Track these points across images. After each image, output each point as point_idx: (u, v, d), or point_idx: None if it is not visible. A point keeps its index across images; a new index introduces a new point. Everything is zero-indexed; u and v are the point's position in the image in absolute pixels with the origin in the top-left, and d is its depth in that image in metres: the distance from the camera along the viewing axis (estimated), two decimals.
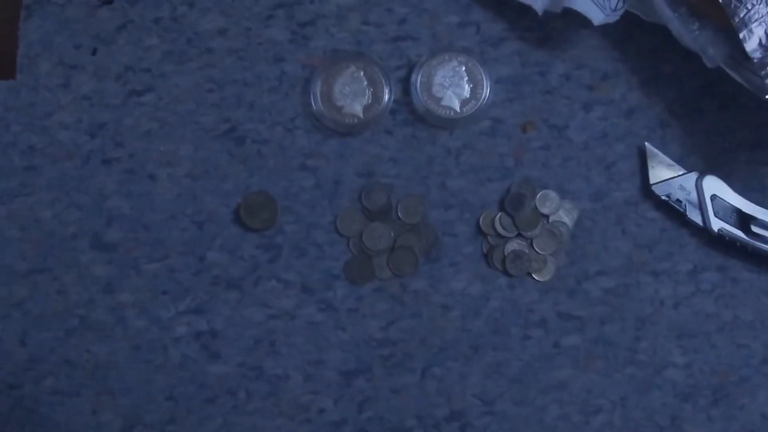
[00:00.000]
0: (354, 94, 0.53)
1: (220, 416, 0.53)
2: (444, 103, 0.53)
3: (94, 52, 0.55)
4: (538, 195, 0.53)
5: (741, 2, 0.49)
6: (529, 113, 0.54)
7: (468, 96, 0.53)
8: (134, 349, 0.54)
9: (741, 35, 0.48)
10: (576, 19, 0.51)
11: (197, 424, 0.53)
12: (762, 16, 0.48)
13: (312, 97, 0.53)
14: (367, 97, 0.53)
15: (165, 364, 0.53)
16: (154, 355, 0.54)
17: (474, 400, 0.53)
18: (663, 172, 0.53)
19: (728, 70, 0.50)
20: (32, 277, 0.54)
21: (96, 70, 0.55)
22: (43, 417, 0.54)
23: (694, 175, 0.53)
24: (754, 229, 0.52)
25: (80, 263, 0.54)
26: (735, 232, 0.52)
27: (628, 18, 0.51)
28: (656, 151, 0.53)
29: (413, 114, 0.54)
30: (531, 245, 0.53)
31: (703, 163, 0.54)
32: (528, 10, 0.52)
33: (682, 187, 0.53)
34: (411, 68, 0.53)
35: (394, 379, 0.53)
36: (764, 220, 0.52)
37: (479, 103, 0.53)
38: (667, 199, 0.53)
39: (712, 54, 0.50)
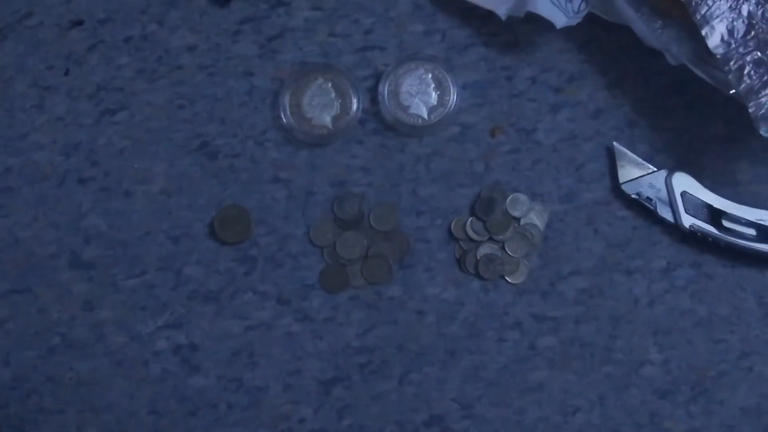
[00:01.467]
0: (323, 106, 0.53)
1: (202, 429, 0.54)
2: (412, 111, 0.53)
3: (66, 73, 0.55)
4: (509, 198, 0.53)
5: (702, 0, 0.49)
6: (497, 118, 0.54)
7: (435, 103, 0.53)
8: (115, 365, 0.54)
9: (703, 32, 0.49)
10: (540, 23, 0.51)
11: None
12: (723, 12, 0.49)
13: (281, 109, 0.54)
14: (335, 107, 0.53)
15: (146, 378, 0.54)
16: (135, 370, 0.54)
17: (452, 404, 0.54)
18: (632, 171, 0.53)
19: (692, 68, 0.50)
20: (12, 297, 0.55)
21: (69, 91, 0.55)
22: None
23: (663, 173, 0.53)
24: (726, 224, 0.52)
25: (60, 282, 0.54)
26: (707, 228, 0.53)
27: (591, 20, 0.52)
28: (625, 150, 0.54)
29: (382, 123, 0.54)
30: (503, 248, 0.53)
31: (672, 161, 0.54)
32: (492, 15, 0.52)
33: (652, 185, 0.53)
34: (378, 78, 0.54)
35: (372, 386, 0.54)
36: (735, 215, 0.52)
37: (447, 110, 0.53)
38: (637, 197, 0.53)
39: (676, 52, 0.51)
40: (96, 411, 0.54)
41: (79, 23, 0.56)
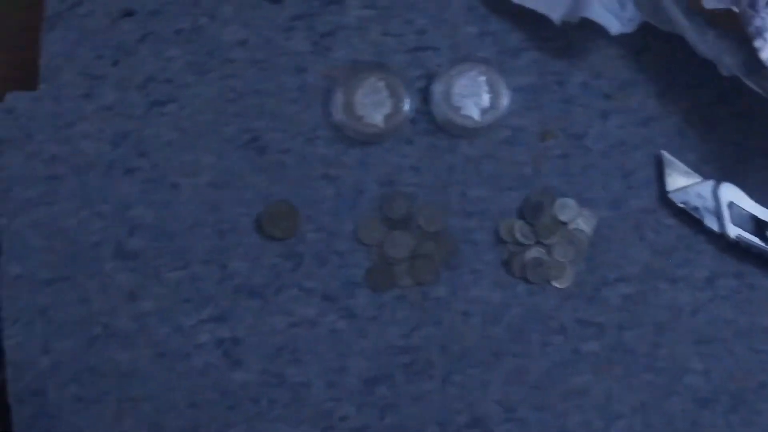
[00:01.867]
0: (375, 104, 0.53)
1: (242, 423, 0.54)
2: (464, 112, 0.53)
3: (115, 63, 0.55)
4: (557, 203, 0.53)
5: (755, 11, 0.49)
6: (547, 122, 0.54)
7: (487, 105, 0.53)
8: (157, 357, 0.54)
9: (756, 44, 0.49)
10: (593, 29, 0.51)
11: (220, 430, 0.54)
12: None
13: (333, 107, 0.54)
14: (387, 106, 0.53)
15: (187, 371, 0.54)
16: (177, 362, 0.54)
17: (495, 407, 0.54)
18: (680, 180, 0.54)
19: (744, 79, 0.50)
20: (55, 286, 0.54)
21: (118, 81, 0.55)
22: (66, 424, 0.54)
23: (711, 183, 0.53)
24: None
25: (103, 271, 0.54)
26: (751, 239, 0.53)
27: (644, 27, 0.52)
28: (673, 159, 0.54)
29: (433, 123, 0.54)
30: (550, 253, 0.53)
31: (719, 171, 0.54)
32: (546, 20, 0.53)
33: (699, 195, 0.53)
34: (431, 78, 0.54)
35: (415, 386, 0.54)
36: None
37: (498, 113, 0.53)
38: (684, 206, 0.53)
39: (728, 62, 0.51)
40: (135, 402, 0.54)
41: (129, 14, 0.56)
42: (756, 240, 0.53)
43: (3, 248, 0.55)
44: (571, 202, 0.53)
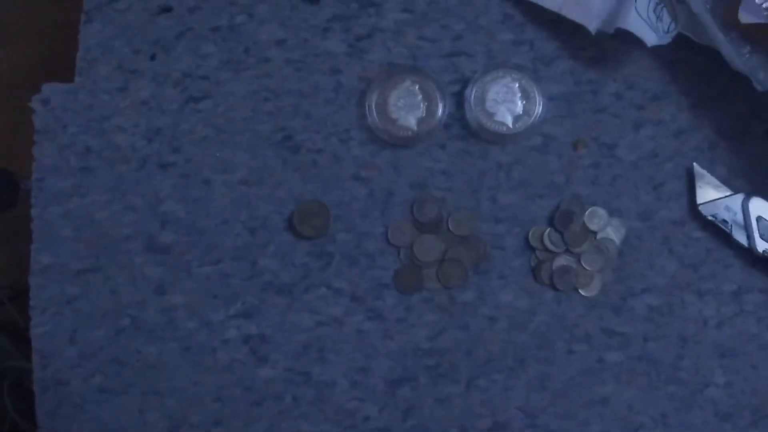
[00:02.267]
0: (409, 107, 0.54)
1: (266, 419, 0.54)
2: (497, 118, 0.54)
3: (152, 58, 0.56)
4: (587, 212, 0.54)
5: None
6: (580, 131, 0.55)
7: (521, 112, 0.54)
8: (183, 351, 0.54)
9: None
10: (628, 40, 0.51)
11: (243, 426, 0.54)
12: None
13: (367, 109, 0.54)
14: (421, 110, 0.54)
15: (213, 366, 0.54)
16: (203, 357, 0.54)
17: (517, 413, 0.54)
18: (710, 193, 0.54)
19: None
20: (85, 276, 0.55)
21: (154, 76, 0.56)
22: (90, 414, 0.55)
23: (740, 197, 0.53)
24: None
25: (133, 264, 0.55)
26: None
27: (679, 40, 0.52)
28: (704, 171, 0.54)
29: (466, 128, 0.55)
30: (579, 261, 0.54)
31: (749, 185, 0.54)
32: (581, 29, 0.53)
33: (728, 208, 0.53)
34: (465, 83, 0.54)
35: (439, 389, 0.54)
36: None
37: (531, 120, 0.54)
38: (713, 219, 0.53)
39: (763, 78, 0.51)
40: (160, 395, 0.55)
41: (167, 9, 0.56)
42: None
43: (34, 238, 0.55)
44: (601, 211, 0.54)
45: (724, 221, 0.53)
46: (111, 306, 0.55)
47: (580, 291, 0.54)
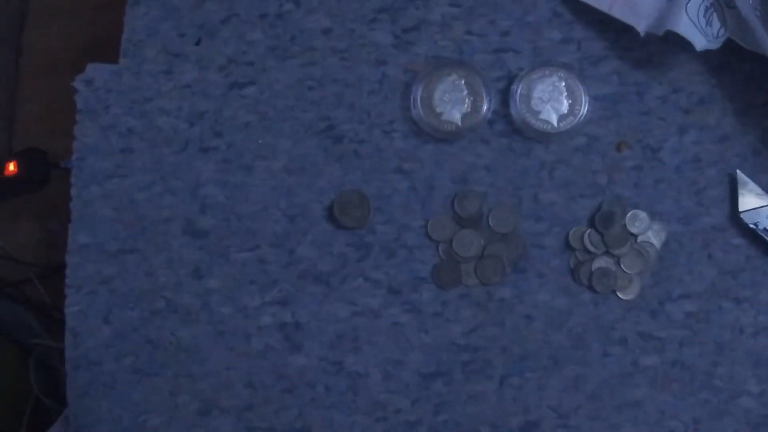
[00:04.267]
0: (454, 102, 0.54)
1: (296, 407, 0.54)
2: (542, 116, 0.53)
3: (198, 42, 0.56)
4: (629, 214, 0.53)
5: None
6: (624, 132, 0.54)
7: (566, 111, 0.53)
8: (218, 335, 0.55)
9: None
10: (676, 43, 0.51)
11: (274, 413, 0.54)
12: None
13: (412, 101, 0.54)
14: (466, 105, 0.54)
15: (247, 351, 0.54)
16: (237, 342, 0.54)
17: (549, 412, 0.54)
18: (752, 201, 0.53)
19: None
20: (122, 257, 0.55)
21: (199, 60, 0.56)
22: (121, 394, 0.55)
23: None
24: None
25: (171, 247, 0.55)
26: None
27: (726, 45, 0.52)
28: (747, 179, 0.53)
29: (510, 125, 0.55)
30: (618, 263, 0.53)
31: None
32: (629, 30, 0.52)
33: None
34: (511, 80, 0.54)
35: (472, 385, 0.54)
36: None
37: (576, 120, 0.53)
38: (754, 227, 0.53)
39: None
40: (192, 378, 0.55)
41: None
42: None
43: (72, 217, 0.55)
44: (642, 214, 0.53)
45: (765, 230, 0.53)
46: (147, 287, 0.55)
47: (618, 293, 0.53)
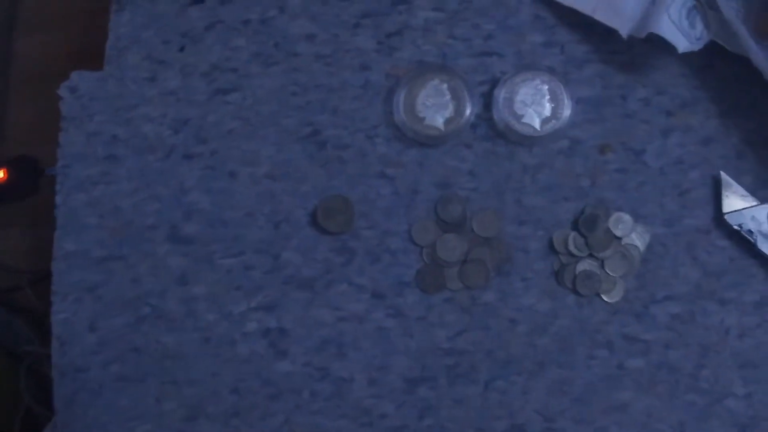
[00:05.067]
0: (436, 106, 0.54)
1: (282, 413, 0.54)
2: (525, 120, 0.53)
3: (182, 49, 0.56)
4: (612, 217, 0.53)
5: None
6: (607, 135, 0.54)
7: (549, 115, 0.54)
8: (203, 342, 0.55)
9: None
10: (659, 45, 0.51)
11: (260, 419, 0.54)
12: None
13: (395, 106, 0.54)
14: (449, 109, 0.54)
15: (232, 358, 0.54)
16: (222, 348, 0.54)
17: (535, 416, 0.54)
18: (736, 202, 0.53)
19: None
20: (107, 264, 0.55)
21: (183, 67, 0.56)
22: (107, 401, 0.55)
23: (766, 207, 0.53)
24: None
25: (156, 254, 0.55)
26: None
27: (709, 47, 0.52)
28: (731, 180, 0.53)
29: (493, 129, 0.55)
30: (602, 266, 0.53)
31: None
32: (613, 33, 0.53)
33: (754, 218, 0.53)
34: (494, 84, 0.54)
35: (457, 389, 0.54)
36: None
37: (559, 123, 0.53)
38: (738, 229, 0.53)
39: None
40: (178, 384, 0.55)
41: (199, 1, 0.56)
42: None
43: (58, 224, 0.55)
44: (626, 216, 0.53)
45: (750, 231, 0.53)
46: (132, 294, 0.55)
47: (602, 296, 0.53)
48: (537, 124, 0.53)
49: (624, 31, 0.52)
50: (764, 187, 0.54)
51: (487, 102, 0.54)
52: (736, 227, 0.53)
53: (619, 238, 0.53)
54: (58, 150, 0.56)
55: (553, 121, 0.53)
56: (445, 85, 0.54)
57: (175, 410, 0.55)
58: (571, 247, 0.53)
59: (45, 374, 0.76)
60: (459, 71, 0.54)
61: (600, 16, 0.53)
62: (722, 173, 0.54)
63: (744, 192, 0.53)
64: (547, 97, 0.54)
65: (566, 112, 0.53)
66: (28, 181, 0.76)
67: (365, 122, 0.55)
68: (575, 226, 0.54)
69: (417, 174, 0.54)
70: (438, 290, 0.54)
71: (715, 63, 0.54)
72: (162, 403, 0.55)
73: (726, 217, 0.53)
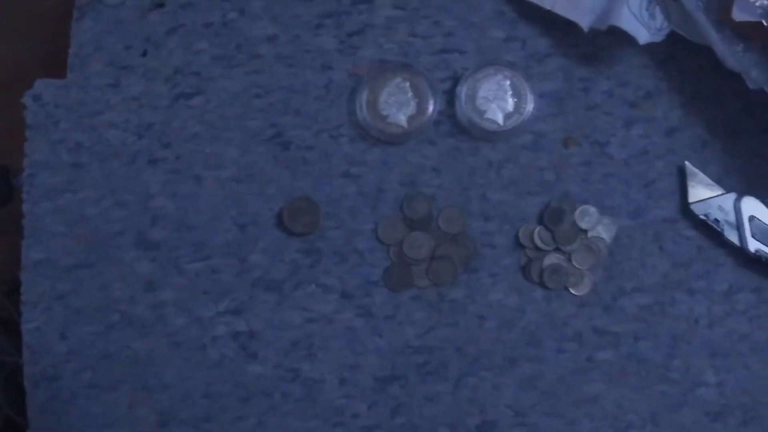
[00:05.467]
0: (399, 104, 0.54)
1: (254, 416, 0.54)
2: (488, 116, 0.53)
3: (144, 54, 0.56)
4: (578, 210, 0.53)
5: None
6: (571, 128, 0.54)
7: (511, 110, 0.54)
8: (173, 347, 0.54)
9: None
10: (621, 37, 0.51)
11: (232, 422, 0.54)
12: None
13: (358, 105, 0.54)
14: (411, 107, 0.54)
15: (203, 362, 0.54)
16: (193, 353, 0.54)
17: (506, 411, 0.54)
18: (702, 192, 0.53)
19: None
20: (76, 272, 0.55)
21: (145, 72, 0.56)
22: (80, 410, 0.55)
23: (732, 196, 0.53)
24: None
25: (123, 260, 0.55)
26: None
27: (672, 37, 0.52)
28: (696, 170, 0.54)
29: (456, 126, 0.55)
30: (569, 259, 0.53)
31: (742, 184, 0.54)
32: (573, 26, 0.53)
33: (720, 208, 0.53)
34: (456, 80, 0.54)
35: (428, 386, 0.54)
36: None
37: (522, 117, 0.53)
38: (705, 218, 0.53)
39: (755, 76, 0.51)
40: (149, 390, 0.55)
41: (160, 5, 0.56)
42: None
43: (25, 233, 0.55)
44: (592, 209, 0.53)
45: (716, 220, 0.53)
46: (101, 302, 0.55)
47: (570, 290, 0.53)
48: (500, 119, 0.53)
49: (584, 24, 0.52)
50: (730, 175, 0.54)
51: (450, 99, 0.54)
52: (702, 217, 0.53)
53: (585, 231, 0.53)
54: (24, 159, 0.56)
55: (516, 115, 0.53)
56: (407, 83, 0.54)
57: (147, 416, 0.55)
58: (538, 242, 0.53)
59: (23, 384, 0.76)
60: (421, 69, 0.54)
61: (560, 10, 0.53)
62: (687, 163, 0.54)
63: (709, 181, 0.54)
64: (510, 92, 0.54)
65: (529, 106, 0.53)
66: (1, 190, 0.75)
67: (328, 122, 0.55)
68: (541, 220, 0.54)
69: (382, 172, 0.54)
70: (406, 288, 0.54)
71: (677, 53, 0.54)
72: (134, 409, 0.55)
73: (692, 207, 0.53)
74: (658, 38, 0.51)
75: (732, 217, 0.53)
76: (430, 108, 0.53)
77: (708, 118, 0.54)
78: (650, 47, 0.52)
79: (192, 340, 0.54)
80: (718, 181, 0.54)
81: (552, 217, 0.53)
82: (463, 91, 0.53)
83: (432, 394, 0.54)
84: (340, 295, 0.54)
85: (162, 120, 0.55)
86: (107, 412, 0.55)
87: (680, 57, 0.54)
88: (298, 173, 0.55)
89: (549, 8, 0.53)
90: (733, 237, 0.53)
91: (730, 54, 0.51)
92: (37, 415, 0.55)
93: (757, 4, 0.50)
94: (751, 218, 0.53)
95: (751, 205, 0.53)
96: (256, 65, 0.55)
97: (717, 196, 0.53)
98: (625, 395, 0.53)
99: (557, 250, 0.53)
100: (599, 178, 0.54)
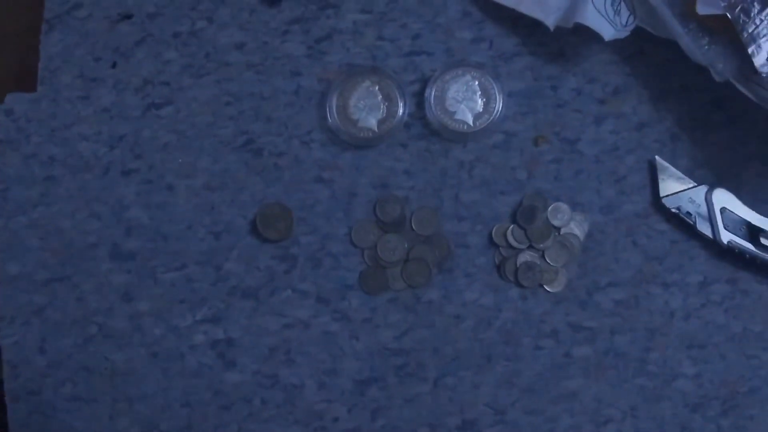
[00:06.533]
0: (369, 108, 0.54)
1: (235, 423, 0.54)
2: (457, 117, 0.54)
3: (113, 66, 0.56)
4: (550, 207, 0.54)
5: (749, 18, 0.50)
6: (541, 127, 0.55)
7: (481, 110, 0.54)
8: (151, 357, 0.54)
9: (749, 50, 0.49)
10: (587, 35, 0.51)
11: (213, 430, 0.54)
12: None
13: (328, 110, 0.54)
14: (381, 111, 0.54)
15: (182, 371, 0.54)
16: (171, 362, 0.54)
17: (486, 410, 0.54)
18: (673, 185, 0.54)
19: (737, 85, 0.50)
20: (52, 286, 0.55)
21: (116, 83, 0.56)
22: (61, 423, 0.55)
23: (703, 188, 0.53)
24: (763, 241, 0.53)
25: (99, 272, 0.55)
26: (744, 245, 0.53)
27: (638, 33, 0.52)
28: (666, 164, 0.54)
29: (427, 128, 0.55)
30: (543, 257, 0.54)
31: (712, 176, 0.54)
32: (540, 25, 0.53)
33: (692, 200, 0.53)
34: (425, 83, 0.54)
35: (407, 388, 0.54)
36: None
37: (492, 117, 0.54)
38: (677, 211, 0.53)
39: (722, 69, 0.51)
40: (130, 401, 0.55)
41: (128, 17, 0.56)
42: (748, 245, 0.53)
43: (0, 248, 0.55)
44: (564, 206, 0.54)
45: (688, 213, 0.53)
46: (79, 314, 0.55)
47: (545, 287, 0.54)
48: (470, 119, 0.54)
49: (550, 22, 0.53)
50: (700, 168, 0.54)
51: (420, 101, 0.54)
52: (674, 210, 0.54)
53: (558, 228, 0.54)
54: None
55: (486, 115, 0.54)
56: (376, 87, 0.54)
57: (128, 428, 0.55)
58: (511, 240, 0.54)
59: (3, 399, 0.76)
60: (389, 72, 0.54)
61: (525, 9, 0.53)
62: (657, 157, 0.54)
63: (680, 175, 0.54)
64: (479, 92, 0.54)
65: (498, 106, 0.54)
66: None
67: (299, 128, 0.55)
68: (514, 219, 0.54)
69: (354, 176, 0.55)
70: (381, 291, 0.54)
71: (644, 49, 0.55)
72: (115, 421, 0.55)
73: (664, 200, 0.54)
74: (624, 34, 0.52)
75: (704, 210, 0.53)
76: (400, 111, 0.54)
77: (677, 112, 0.55)
78: (617, 43, 0.52)
79: (170, 349, 0.54)
80: (689, 174, 0.54)
81: (525, 216, 0.54)
82: (432, 92, 0.54)
83: (411, 395, 0.54)
84: (316, 300, 0.54)
85: (133, 131, 0.55)
86: (89, 425, 0.55)
87: (647, 52, 0.55)
88: (271, 179, 0.55)
89: (514, 8, 0.54)
90: (705, 229, 0.53)
91: (696, 48, 0.51)
92: (19, 430, 0.55)
93: None
94: (723, 210, 0.53)
95: (722, 197, 0.53)
96: (225, 73, 0.55)
97: (688, 189, 0.54)
98: (604, 390, 0.54)
99: (531, 247, 0.54)
100: (571, 175, 0.54)
